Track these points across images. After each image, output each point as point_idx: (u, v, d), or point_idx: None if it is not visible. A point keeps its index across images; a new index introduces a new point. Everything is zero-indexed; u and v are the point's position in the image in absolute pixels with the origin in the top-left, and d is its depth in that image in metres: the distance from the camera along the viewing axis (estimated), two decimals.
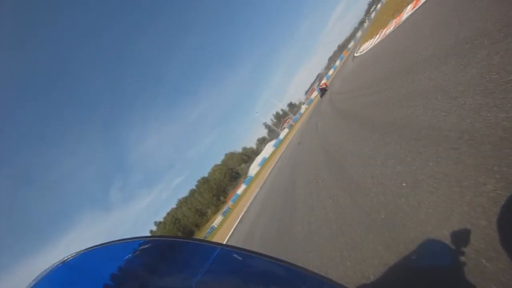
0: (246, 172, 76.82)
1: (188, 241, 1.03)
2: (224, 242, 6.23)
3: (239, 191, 53.25)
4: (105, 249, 0.86)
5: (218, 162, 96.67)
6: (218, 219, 49.69)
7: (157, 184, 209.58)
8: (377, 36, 15.55)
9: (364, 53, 17.30)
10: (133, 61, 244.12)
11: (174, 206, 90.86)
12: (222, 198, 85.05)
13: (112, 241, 0.88)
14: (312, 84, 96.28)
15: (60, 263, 0.80)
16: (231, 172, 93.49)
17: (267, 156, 56.83)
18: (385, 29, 13.82)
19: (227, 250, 0.95)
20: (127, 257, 0.88)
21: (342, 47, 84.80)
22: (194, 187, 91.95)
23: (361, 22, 73.77)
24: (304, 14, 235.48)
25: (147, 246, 0.94)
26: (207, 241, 0.98)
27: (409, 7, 10.47)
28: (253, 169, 64.11)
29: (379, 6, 48.02)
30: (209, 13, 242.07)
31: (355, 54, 23.02)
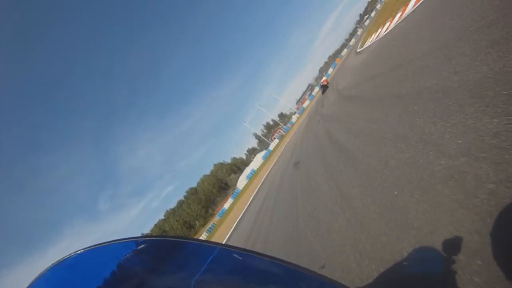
0: (235, 183, 75.56)
1: (187, 241, 0.98)
2: None
3: (227, 205, 51.82)
4: (103, 249, 0.85)
5: (208, 172, 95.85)
6: (203, 236, 47.01)
7: (147, 194, 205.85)
8: (377, 33, 16.00)
9: (369, 46, 16.34)
10: (125, 71, 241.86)
11: (162, 217, 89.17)
12: (210, 211, 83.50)
13: (111, 241, 0.86)
14: (304, 94, 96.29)
15: (58, 263, 0.80)
16: (220, 183, 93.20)
17: (255, 168, 55.37)
18: (383, 28, 14.55)
19: (226, 250, 0.93)
20: (125, 256, 0.88)
21: (333, 57, 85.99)
22: (183, 197, 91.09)
23: (355, 30, 73.94)
24: (295, 26, 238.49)
25: (145, 245, 0.92)
26: (206, 241, 0.95)
27: (398, 16, 11.58)
28: (242, 181, 63.12)
29: (373, 14, 49.52)
30: (200, 25, 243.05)
31: (358, 50, 22.80)
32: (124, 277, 0.85)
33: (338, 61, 50.12)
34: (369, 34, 21.24)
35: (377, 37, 15.06)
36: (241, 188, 53.31)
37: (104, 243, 0.85)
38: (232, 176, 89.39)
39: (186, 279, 0.87)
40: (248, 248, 2.17)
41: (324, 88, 25.32)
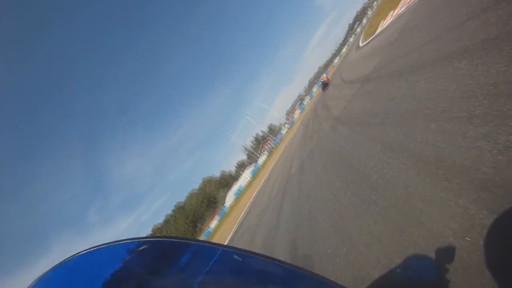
0: (224, 198, 73.56)
1: (189, 242, 0.96)
2: None
3: (213, 224, 49.90)
4: (106, 250, 0.84)
5: (197, 185, 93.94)
6: None
7: (137, 207, 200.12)
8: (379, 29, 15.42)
9: (374, 38, 14.71)
10: (113, 83, 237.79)
11: (150, 233, 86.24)
12: (199, 225, 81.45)
13: (113, 242, 0.85)
14: (294, 105, 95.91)
15: (60, 264, 0.79)
16: (208, 198, 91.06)
17: (243, 186, 53.71)
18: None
19: (229, 251, 0.93)
20: (128, 257, 0.87)
21: (324, 68, 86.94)
22: (170, 212, 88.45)
23: (345, 40, 73.20)
24: (284, 38, 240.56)
25: (148, 246, 0.91)
26: (209, 242, 0.95)
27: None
28: (230, 198, 61.50)
29: (364, 20, 50.92)
30: (190, 36, 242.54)
31: (360, 45, 21.76)
32: (128, 278, 0.83)
33: (330, 69, 48.27)
34: (370, 31, 20.67)
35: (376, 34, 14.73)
36: (228, 206, 51.46)
37: (107, 243, 0.83)
38: (221, 191, 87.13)
39: (190, 280, 0.86)
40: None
41: (325, 85, 24.58)
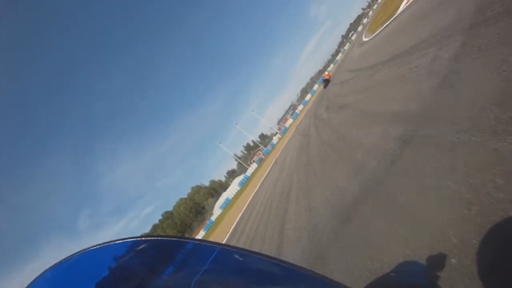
0: (213, 208, 72.73)
1: (187, 241, 0.96)
2: None
3: (199, 236, 47.65)
4: (103, 249, 0.85)
5: (186, 193, 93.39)
6: None
7: (127, 213, 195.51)
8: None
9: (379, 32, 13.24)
10: (104, 89, 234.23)
11: None
12: (187, 235, 79.50)
13: (111, 241, 0.85)
14: (286, 113, 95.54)
15: (58, 264, 0.79)
16: (197, 207, 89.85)
17: (230, 197, 52.67)
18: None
19: (226, 250, 0.93)
20: (126, 257, 0.87)
21: (316, 77, 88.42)
22: (158, 221, 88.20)
23: (337, 51, 72.43)
24: (277, 47, 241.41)
25: (145, 245, 0.91)
26: (206, 241, 0.95)
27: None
28: (216, 209, 59.05)
29: (360, 28, 49.93)
30: (181, 44, 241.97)
31: (364, 39, 20.70)
32: (125, 277, 0.82)
33: (325, 76, 47.22)
34: (376, 25, 19.45)
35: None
36: (214, 220, 49.60)
37: (105, 243, 0.83)
38: (210, 200, 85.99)
39: (186, 279, 0.85)
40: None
41: (326, 82, 24.65)
